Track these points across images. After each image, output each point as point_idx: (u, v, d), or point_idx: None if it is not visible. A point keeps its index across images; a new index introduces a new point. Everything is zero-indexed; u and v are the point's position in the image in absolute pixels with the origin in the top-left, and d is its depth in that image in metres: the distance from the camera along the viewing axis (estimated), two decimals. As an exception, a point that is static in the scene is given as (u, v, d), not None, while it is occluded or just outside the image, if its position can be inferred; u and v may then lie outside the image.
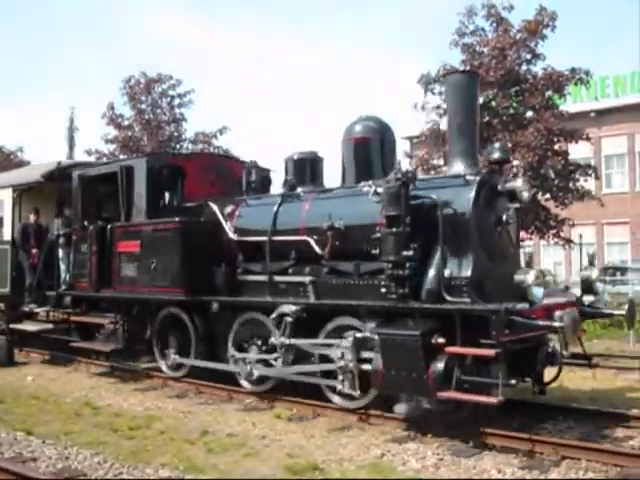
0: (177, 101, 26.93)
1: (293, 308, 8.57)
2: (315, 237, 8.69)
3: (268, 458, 6.76)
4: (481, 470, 6.31)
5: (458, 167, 8.00)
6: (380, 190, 7.77)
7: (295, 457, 6.71)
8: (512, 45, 18.99)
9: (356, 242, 8.31)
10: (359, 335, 7.84)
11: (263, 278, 9.33)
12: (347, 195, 8.85)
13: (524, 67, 19.42)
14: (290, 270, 9.14)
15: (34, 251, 13.31)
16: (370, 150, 9.02)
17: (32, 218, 13.52)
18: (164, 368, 10.73)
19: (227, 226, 9.89)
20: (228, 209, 10.08)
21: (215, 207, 10.17)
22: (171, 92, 26.82)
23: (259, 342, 9.26)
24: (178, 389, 10.21)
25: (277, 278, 9.20)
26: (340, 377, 8.03)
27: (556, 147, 19.11)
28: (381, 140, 9.04)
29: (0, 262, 13.19)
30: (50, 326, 13.44)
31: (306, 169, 9.85)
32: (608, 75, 32.26)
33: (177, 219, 9.99)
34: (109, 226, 11.28)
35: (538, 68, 19.41)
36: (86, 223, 11.83)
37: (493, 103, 19.02)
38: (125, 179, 10.97)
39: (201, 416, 8.56)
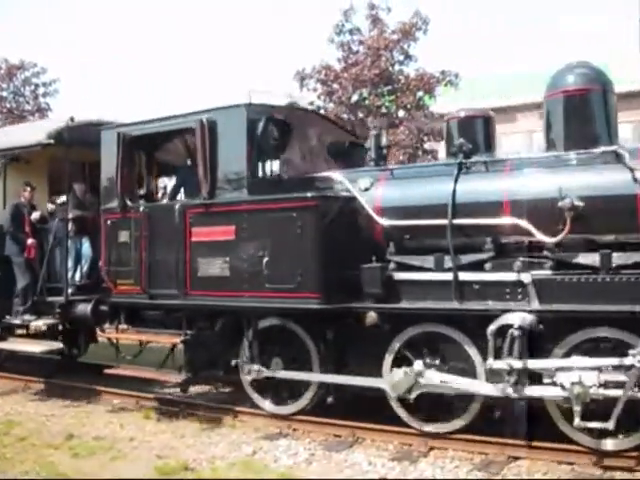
0: (42, 90, 25.95)
1: (528, 318, 6.30)
2: (529, 220, 6.61)
3: (137, 460, 6.56)
4: (352, 463, 6.38)
5: None
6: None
7: (165, 458, 6.54)
8: (387, 46, 19.53)
9: (599, 225, 6.45)
10: None
11: (442, 276, 6.91)
12: (570, 163, 6.75)
13: (397, 67, 20.05)
14: (487, 265, 6.83)
15: (30, 241, 9.78)
16: (590, 106, 6.85)
17: (25, 196, 9.98)
18: (266, 405, 7.89)
19: (367, 206, 7.48)
20: (365, 183, 7.59)
21: (345, 180, 7.73)
22: (35, 80, 25.82)
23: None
24: (40, 391, 9.69)
25: (465, 276, 6.83)
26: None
27: (426, 146, 19.80)
28: (603, 93, 6.88)
29: None
30: (59, 345, 9.88)
31: (477, 132, 7.52)
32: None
33: (310, 195, 7.26)
34: (177, 205, 8.27)
35: (410, 69, 20.14)
36: (129, 202, 8.74)
37: (367, 101, 19.45)
38: (208, 139, 7.91)
39: (65, 419, 8.19)
